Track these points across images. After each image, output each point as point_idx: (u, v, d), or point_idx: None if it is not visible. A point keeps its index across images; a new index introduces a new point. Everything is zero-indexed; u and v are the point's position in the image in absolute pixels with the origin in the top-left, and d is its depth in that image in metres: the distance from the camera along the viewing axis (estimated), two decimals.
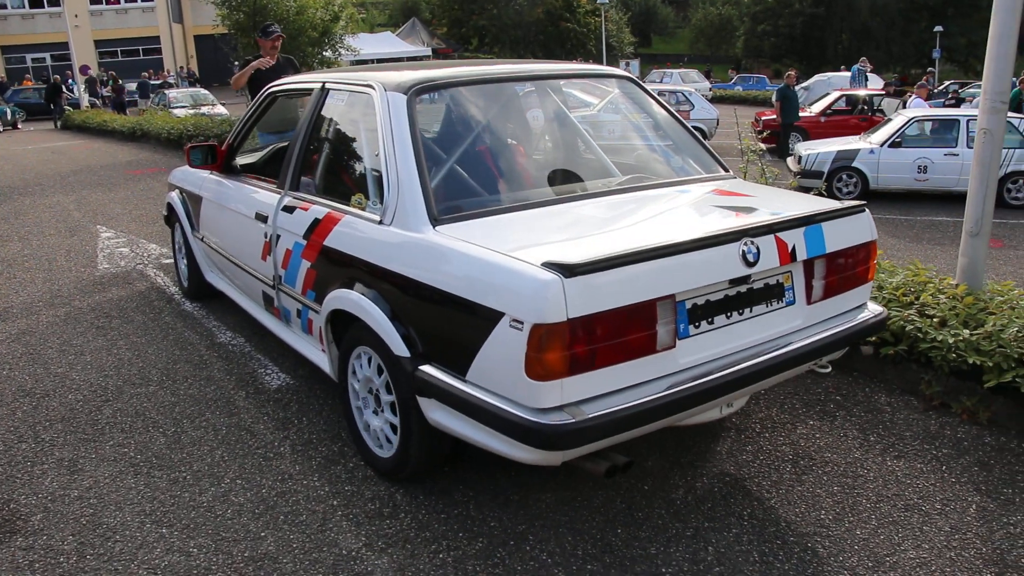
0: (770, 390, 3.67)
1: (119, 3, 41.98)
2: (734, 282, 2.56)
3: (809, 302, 2.79)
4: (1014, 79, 14.95)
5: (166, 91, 24.51)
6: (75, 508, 2.87)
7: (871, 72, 21.13)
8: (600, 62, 30.04)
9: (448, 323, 2.51)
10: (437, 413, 2.57)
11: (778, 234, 2.63)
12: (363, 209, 3.01)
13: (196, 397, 3.78)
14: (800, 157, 10.59)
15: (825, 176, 10.10)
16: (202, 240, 4.74)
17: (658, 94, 4.04)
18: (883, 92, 16.10)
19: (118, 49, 41.90)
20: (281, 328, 3.76)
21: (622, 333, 2.28)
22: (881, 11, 45.42)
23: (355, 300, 2.86)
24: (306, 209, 3.32)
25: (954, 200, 9.33)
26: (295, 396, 3.77)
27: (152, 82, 29.22)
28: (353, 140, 3.45)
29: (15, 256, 6.80)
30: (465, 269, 2.44)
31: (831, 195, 8.72)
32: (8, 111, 24.47)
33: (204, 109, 19.09)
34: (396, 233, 2.74)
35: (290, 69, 6.38)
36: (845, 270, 2.88)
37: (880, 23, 45.64)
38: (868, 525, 2.69)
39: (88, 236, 7.54)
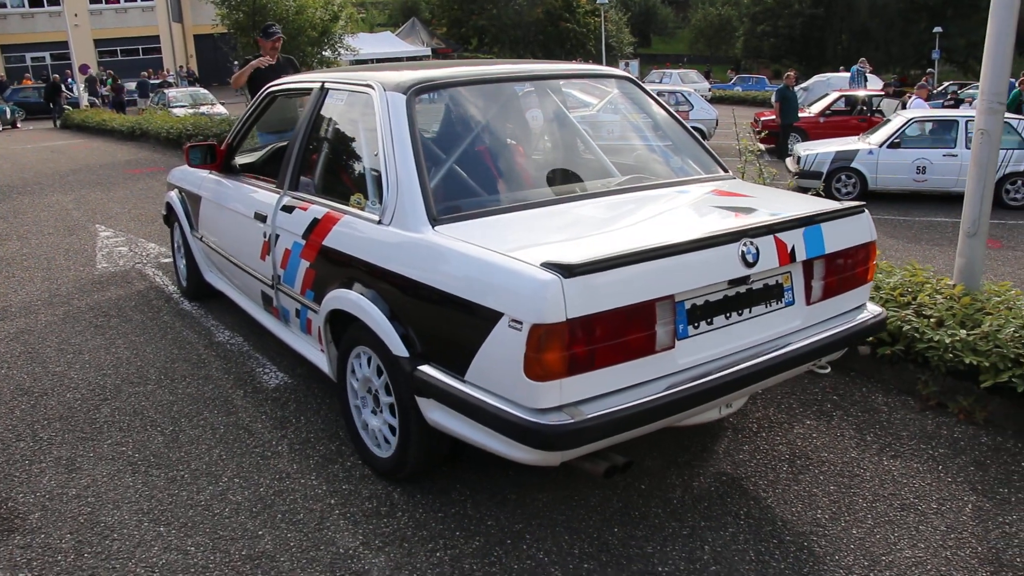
0: (768, 390, 3.68)
1: (119, 2, 41.98)
2: (733, 283, 2.56)
3: (808, 303, 2.80)
4: (1013, 80, 14.99)
5: (165, 90, 24.51)
6: (73, 506, 2.88)
7: (870, 73, 21.11)
8: (600, 62, 30.05)
9: (447, 323, 2.51)
10: (436, 413, 2.58)
11: (777, 235, 2.63)
12: (362, 209, 3.01)
13: (194, 396, 3.79)
14: (799, 157, 10.60)
15: (824, 176, 10.11)
16: (201, 240, 4.75)
17: (657, 94, 4.04)
18: (882, 93, 16.11)
19: (118, 48, 41.91)
20: (280, 328, 3.77)
21: (621, 333, 2.28)
22: (880, 12, 45.44)
23: (354, 300, 2.86)
24: (305, 209, 3.32)
25: (953, 201, 9.33)
26: (293, 395, 3.77)
27: (151, 81, 29.22)
28: (352, 140, 3.45)
29: (14, 255, 6.80)
30: (464, 269, 2.44)
31: (830, 196, 8.72)
32: (7, 110, 24.46)
33: (203, 108, 19.10)
34: (395, 233, 2.75)
35: (290, 69, 6.39)
36: (844, 271, 2.88)
37: (879, 24, 45.65)
38: (864, 524, 2.70)
39: (87, 235, 7.54)
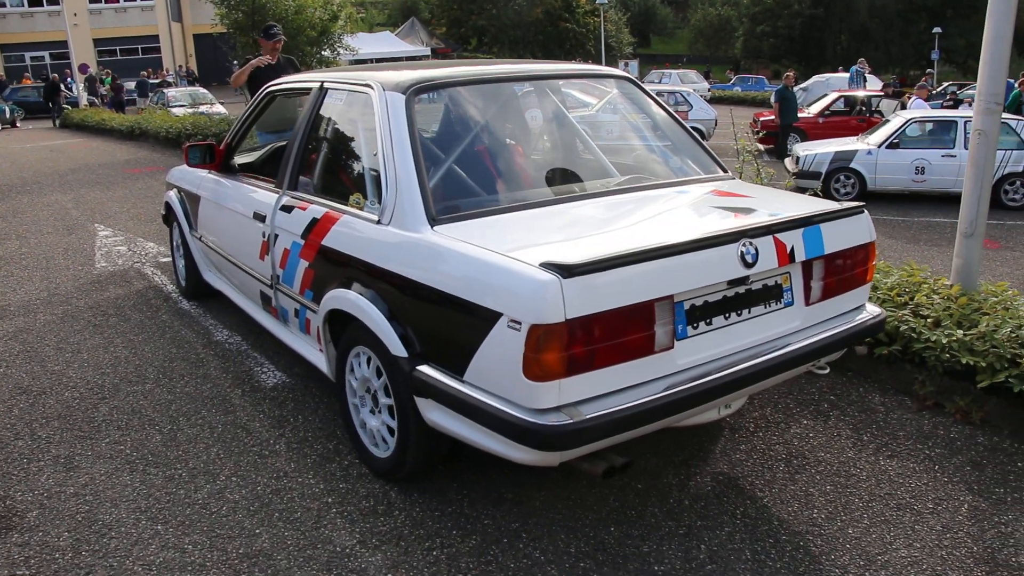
0: (765, 390, 3.69)
1: (118, 2, 41.99)
2: (732, 283, 2.55)
3: (808, 303, 2.79)
4: (1012, 81, 15.00)
5: (165, 90, 24.51)
6: (71, 505, 2.89)
7: (869, 73, 21.12)
8: (599, 62, 30.06)
9: (446, 323, 2.51)
10: (434, 413, 2.57)
11: (777, 235, 2.63)
12: (361, 209, 3.01)
13: (192, 395, 3.80)
14: (798, 158, 10.61)
15: (823, 177, 10.12)
16: (200, 239, 4.75)
17: (656, 94, 4.04)
18: (881, 93, 16.12)
19: (117, 48, 41.91)
20: (279, 328, 3.77)
21: (620, 334, 2.28)
22: (880, 12, 45.49)
23: (353, 300, 2.86)
24: (304, 209, 3.32)
25: (952, 201, 9.32)
26: (291, 394, 3.78)
27: (151, 81, 29.22)
28: (351, 140, 3.45)
29: (13, 254, 6.80)
30: (463, 269, 2.44)
31: (828, 196, 8.73)
32: (7, 109, 24.44)
33: (203, 108, 19.11)
34: (394, 233, 2.75)
35: (291, 69, 6.40)
36: (844, 271, 2.88)
37: (879, 24, 45.72)
38: (860, 524, 2.71)
39: (86, 235, 7.55)
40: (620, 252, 2.27)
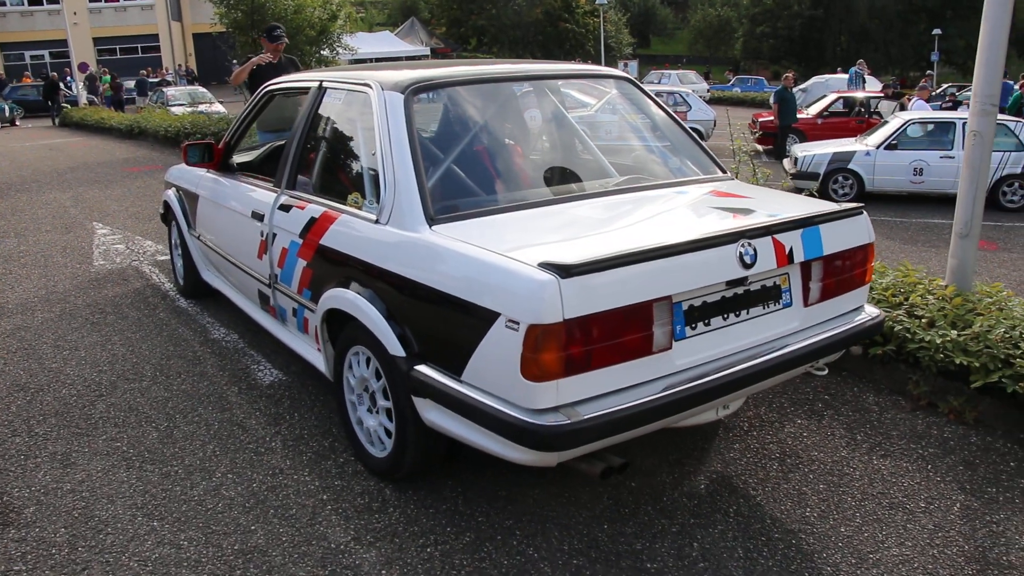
0: (762, 390, 3.69)
1: (118, 1, 41.97)
2: (731, 284, 2.56)
3: (806, 304, 2.79)
4: (1012, 83, 14.99)
5: (164, 89, 24.51)
6: (67, 501, 2.90)
7: (868, 75, 21.13)
8: (599, 63, 30.06)
9: (444, 323, 2.51)
10: (432, 413, 2.58)
11: (775, 236, 2.63)
12: (359, 208, 3.01)
13: (189, 392, 3.81)
14: (796, 158, 10.62)
15: (821, 178, 10.13)
16: (198, 238, 4.76)
17: (655, 95, 4.04)
18: (881, 94, 16.14)
19: (117, 47, 41.90)
20: (277, 327, 3.78)
21: (618, 334, 2.28)
22: (879, 13, 45.53)
23: (351, 299, 2.86)
24: (302, 208, 3.33)
25: (950, 202, 9.28)
26: (287, 392, 3.79)
27: (150, 80, 29.22)
28: (350, 139, 3.45)
29: (11, 252, 6.81)
30: (461, 269, 2.44)
31: (827, 197, 8.75)
32: (6, 108, 24.43)
33: (202, 107, 19.14)
34: (392, 232, 2.75)
35: (292, 69, 6.41)
36: (842, 272, 2.88)
37: (879, 25, 45.75)
38: (852, 523, 2.72)
39: (84, 233, 7.56)
40: (618, 252, 2.27)
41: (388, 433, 2.86)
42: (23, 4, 41.21)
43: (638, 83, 3.85)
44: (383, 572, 2.48)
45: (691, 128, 4.00)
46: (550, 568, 2.49)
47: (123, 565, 2.53)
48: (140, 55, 41.08)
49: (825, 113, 15.13)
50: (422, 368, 2.56)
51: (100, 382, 3.95)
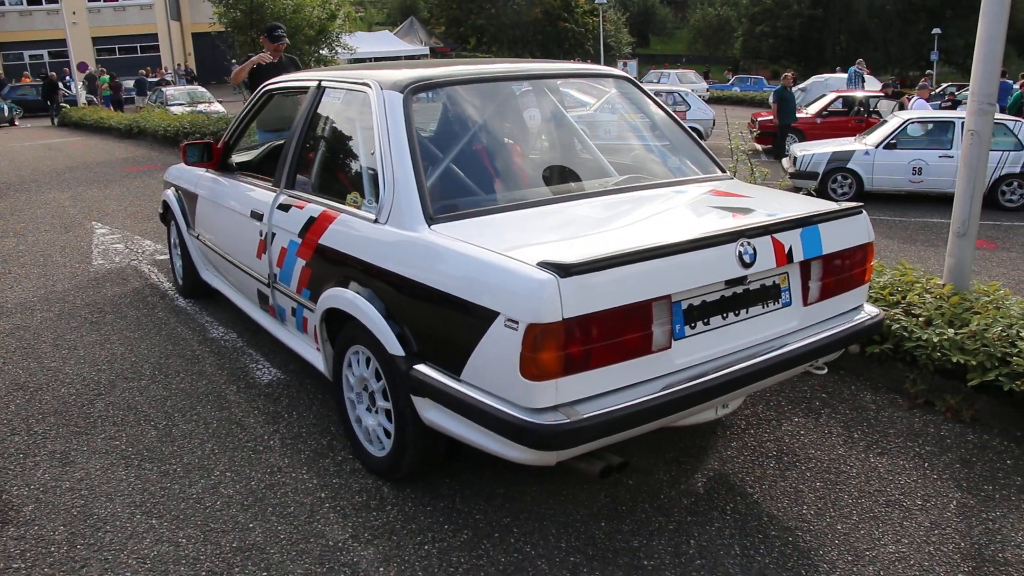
0: (761, 389, 3.70)
1: (117, 0, 41.96)
2: (730, 283, 2.56)
3: (805, 303, 2.79)
4: (1011, 82, 15.00)
5: (163, 88, 24.51)
6: (66, 499, 2.90)
7: (868, 74, 21.15)
8: (598, 62, 30.08)
9: (443, 322, 2.52)
10: (431, 412, 2.58)
11: (775, 235, 2.63)
12: (358, 208, 3.01)
13: (187, 391, 3.82)
14: (795, 158, 10.63)
15: (820, 177, 10.14)
16: (197, 238, 4.77)
17: (654, 94, 4.04)
18: (880, 94, 16.16)
19: (116, 46, 41.89)
20: (276, 326, 3.78)
21: (617, 333, 2.28)
22: (879, 13, 45.54)
23: (350, 299, 2.86)
24: (301, 207, 3.33)
25: (949, 202, 9.31)
26: (286, 391, 3.80)
27: (149, 79, 29.23)
28: (349, 139, 3.45)
29: (10, 252, 6.82)
30: (460, 268, 2.44)
31: (825, 196, 8.76)
32: (5, 108, 24.43)
33: (201, 107, 19.15)
34: (391, 232, 2.75)
35: (292, 68, 6.42)
36: (842, 272, 2.88)
37: (878, 25, 45.76)
38: (849, 520, 2.73)
39: (83, 232, 7.56)
40: (618, 252, 2.27)
41: (387, 433, 2.86)
42: (22, 4, 41.20)
43: (637, 82, 3.85)
44: (381, 569, 2.49)
45: (690, 127, 4.01)
46: (547, 565, 2.50)
47: (121, 563, 2.54)
48: (139, 55, 41.07)
49: (824, 112, 15.13)
50: (421, 367, 2.56)
51: (99, 381, 3.96)
